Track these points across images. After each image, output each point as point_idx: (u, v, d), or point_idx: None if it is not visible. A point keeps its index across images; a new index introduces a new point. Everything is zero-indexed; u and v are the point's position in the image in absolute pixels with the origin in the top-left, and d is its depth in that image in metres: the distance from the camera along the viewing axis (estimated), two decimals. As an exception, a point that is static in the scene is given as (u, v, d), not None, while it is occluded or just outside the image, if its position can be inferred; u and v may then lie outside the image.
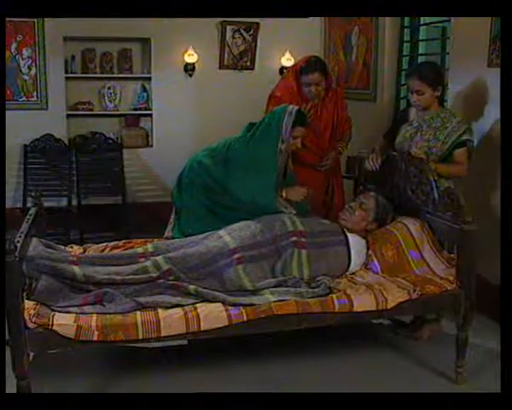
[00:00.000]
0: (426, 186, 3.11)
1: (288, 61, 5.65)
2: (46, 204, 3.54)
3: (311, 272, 2.90)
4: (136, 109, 5.75)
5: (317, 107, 3.74)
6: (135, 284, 2.68)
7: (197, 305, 2.61)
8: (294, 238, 2.93)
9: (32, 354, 2.42)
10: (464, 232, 2.78)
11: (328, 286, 2.79)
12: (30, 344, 2.39)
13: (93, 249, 3.14)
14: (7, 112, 4.30)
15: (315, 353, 3.14)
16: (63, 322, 2.42)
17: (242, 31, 5.64)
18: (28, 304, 2.45)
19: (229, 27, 5.59)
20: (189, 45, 5.54)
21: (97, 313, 2.50)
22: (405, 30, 4.76)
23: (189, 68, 5.60)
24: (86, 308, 2.53)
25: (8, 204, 5.06)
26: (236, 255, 2.82)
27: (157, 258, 2.81)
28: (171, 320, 2.51)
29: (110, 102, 5.65)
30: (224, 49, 5.66)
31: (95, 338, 2.43)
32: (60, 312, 2.48)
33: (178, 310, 2.57)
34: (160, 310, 2.56)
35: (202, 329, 2.53)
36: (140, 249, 2.96)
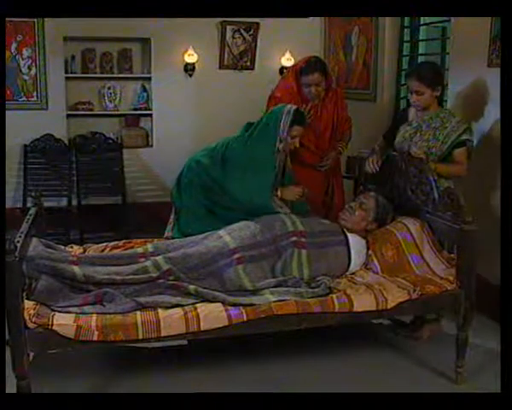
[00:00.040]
0: (426, 186, 3.11)
1: (288, 61, 5.65)
2: (46, 204, 3.54)
3: (311, 272, 2.90)
4: (136, 109, 5.75)
5: (317, 107, 3.74)
6: (135, 284, 2.68)
7: (197, 305, 2.61)
8: (294, 238, 2.93)
9: (31, 354, 2.42)
10: (464, 232, 2.78)
11: (328, 286, 2.79)
12: (30, 344, 2.38)
13: (93, 249, 3.14)
14: (7, 112, 4.31)
15: (315, 353, 3.13)
16: (63, 322, 2.42)
17: (242, 31, 5.64)
18: (28, 304, 2.45)
19: (229, 27, 5.59)
20: (189, 45, 5.54)
21: (97, 313, 2.50)
22: (405, 30, 4.76)
23: (189, 68, 5.60)
24: (86, 308, 2.53)
25: (8, 204, 5.06)
26: (236, 255, 2.82)
27: (157, 258, 2.81)
28: (171, 320, 2.51)
29: (110, 102, 5.65)
30: (224, 49, 5.66)
31: (95, 338, 2.43)
32: (60, 312, 2.48)
33: (178, 310, 2.57)
34: (160, 310, 2.56)
35: (202, 329, 2.53)
36: (140, 249, 2.96)
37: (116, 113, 5.70)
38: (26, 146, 5.32)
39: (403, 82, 4.68)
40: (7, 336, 2.37)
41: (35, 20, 5.16)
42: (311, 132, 3.68)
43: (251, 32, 5.65)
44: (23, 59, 5.25)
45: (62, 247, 3.08)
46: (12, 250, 2.30)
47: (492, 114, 3.47)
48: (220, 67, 5.72)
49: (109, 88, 5.62)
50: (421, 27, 4.75)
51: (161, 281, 2.71)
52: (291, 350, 3.14)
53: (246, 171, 3.09)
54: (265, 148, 3.12)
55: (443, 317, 3.32)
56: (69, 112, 5.49)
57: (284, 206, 3.19)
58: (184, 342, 2.93)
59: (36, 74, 5.29)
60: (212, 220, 3.13)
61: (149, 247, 2.96)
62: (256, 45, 5.71)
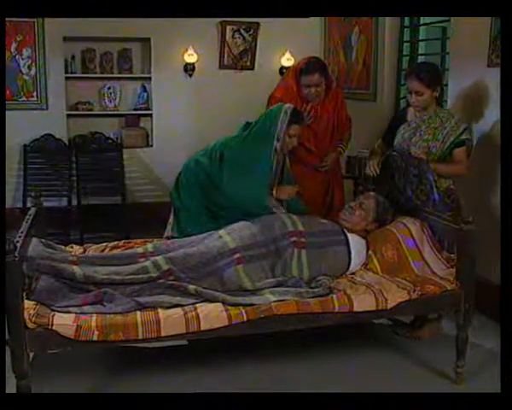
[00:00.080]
0: (426, 186, 3.11)
1: (288, 61, 5.65)
2: (46, 204, 3.53)
3: (311, 271, 2.90)
4: (136, 109, 5.75)
5: (317, 108, 3.73)
6: (135, 283, 2.68)
7: (197, 305, 2.61)
8: (294, 238, 2.93)
9: (31, 354, 2.42)
10: (464, 232, 2.78)
11: (329, 286, 2.79)
12: (30, 344, 2.38)
13: (93, 249, 3.14)
14: (7, 112, 4.31)
15: (315, 353, 3.13)
16: (63, 322, 2.41)
17: (242, 31, 5.64)
18: (28, 304, 2.45)
19: (229, 27, 5.59)
20: (189, 45, 5.54)
21: (97, 313, 2.50)
22: (405, 30, 4.76)
23: (189, 68, 5.61)
24: (86, 308, 2.53)
25: (8, 204, 5.07)
26: (236, 255, 2.82)
27: (157, 258, 2.81)
28: (171, 320, 2.51)
29: (110, 101, 5.65)
30: (224, 49, 5.67)
31: (95, 338, 2.43)
32: (60, 312, 2.47)
33: (178, 310, 2.56)
34: (159, 310, 2.56)
35: (202, 329, 2.53)
36: (140, 249, 2.96)
37: (116, 113, 5.70)
38: (25, 146, 5.33)
39: (403, 82, 4.68)
40: (7, 336, 2.37)
41: (35, 20, 5.17)
42: (311, 133, 3.68)
43: (251, 32, 5.66)
44: (23, 59, 5.26)
45: (62, 247, 3.08)
46: (12, 250, 2.30)
47: (492, 114, 3.47)
48: (220, 67, 5.72)
49: (109, 88, 5.62)
50: (421, 27, 4.75)
51: (161, 281, 2.71)
52: (291, 350, 3.14)
53: (242, 170, 3.08)
54: (263, 147, 3.11)
55: (443, 317, 3.32)
56: (69, 112, 5.50)
57: (279, 206, 3.18)
58: (184, 342, 2.92)
59: (36, 74, 5.30)
60: (211, 220, 3.13)
61: (149, 247, 2.96)
62: (256, 45, 5.71)
